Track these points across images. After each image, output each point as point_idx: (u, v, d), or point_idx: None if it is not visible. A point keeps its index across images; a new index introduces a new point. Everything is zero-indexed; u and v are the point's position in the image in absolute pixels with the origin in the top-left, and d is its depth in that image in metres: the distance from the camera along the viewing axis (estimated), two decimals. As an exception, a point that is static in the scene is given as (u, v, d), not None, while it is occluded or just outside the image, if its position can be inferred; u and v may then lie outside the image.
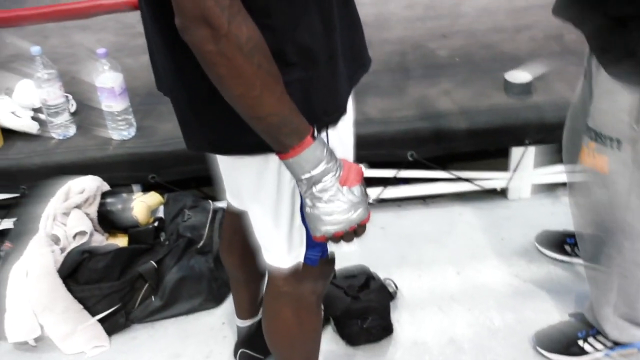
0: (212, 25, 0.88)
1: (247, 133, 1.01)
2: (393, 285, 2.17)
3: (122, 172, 2.40)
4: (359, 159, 2.40)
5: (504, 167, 2.57)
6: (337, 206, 1.05)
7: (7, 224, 2.44)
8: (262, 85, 0.94)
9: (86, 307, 2.06)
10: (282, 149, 1.01)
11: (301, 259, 1.28)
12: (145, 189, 2.50)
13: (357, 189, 1.07)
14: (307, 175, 1.02)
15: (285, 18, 1.01)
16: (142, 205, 2.22)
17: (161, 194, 2.41)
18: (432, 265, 2.31)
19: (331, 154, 1.04)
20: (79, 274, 2.06)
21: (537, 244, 2.30)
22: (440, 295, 2.17)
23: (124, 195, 2.26)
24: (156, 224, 2.25)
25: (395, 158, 2.45)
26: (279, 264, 1.31)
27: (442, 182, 2.57)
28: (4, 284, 2.06)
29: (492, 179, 2.58)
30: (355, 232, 1.11)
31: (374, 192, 2.56)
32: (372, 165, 2.50)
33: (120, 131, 2.40)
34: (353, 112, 1.28)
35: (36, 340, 2.09)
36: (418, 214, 2.60)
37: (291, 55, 1.03)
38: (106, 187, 2.30)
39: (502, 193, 2.64)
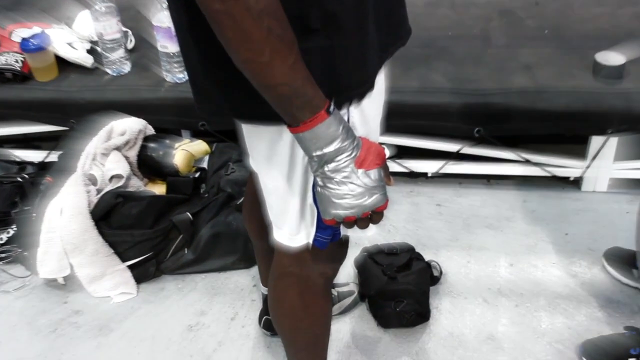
0: None
1: (259, 100, 0.97)
2: (438, 269, 2.12)
3: (171, 116, 2.41)
4: (421, 128, 2.40)
5: (580, 154, 2.45)
6: (350, 189, 1.01)
7: (54, 156, 2.49)
8: (272, 52, 0.89)
9: (117, 252, 2.10)
10: (293, 122, 0.97)
11: (310, 240, 1.24)
12: (195, 136, 2.51)
13: (374, 173, 1.02)
14: (318, 153, 0.98)
15: None
16: (184, 154, 2.22)
17: (210, 143, 2.41)
18: (484, 252, 2.23)
19: (348, 131, 0.99)
20: (112, 218, 2.09)
21: (604, 260, 2.15)
22: (487, 286, 2.10)
23: (167, 141, 2.26)
24: (197, 174, 2.25)
25: (461, 132, 2.38)
26: (287, 242, 1.27)
27: (509, 163, 2.48)
28: (40, 218, 2.11)
29: (565, 167, 2.47)
30: (370, 218, 1.06)
31: (433, 166, 2.51)
32: (436, 137, 2.44)
33: (174, 74, 2.40)
34: (385, 89, 1.21)
35: (65, 279, 2.14)
36: (479, 194, 2.52)
37: (314, 20, 0.97)
38: (150, 130, 2.31)
39: (574, 183, 2.52)
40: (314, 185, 1.09)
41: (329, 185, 1.01)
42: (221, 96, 1.10)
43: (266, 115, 1.02)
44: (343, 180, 1.00)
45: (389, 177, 1.08)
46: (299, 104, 0.94)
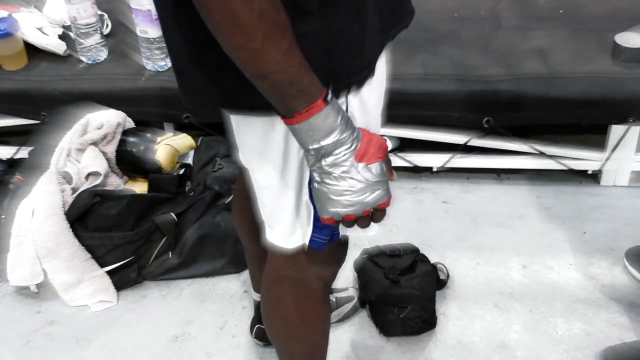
0: None
1: (250, 89, 0.96)
2: (445, 271, 2.11)
3: (153, 107, 2.39)
4: (425, 118, 2.38)
5: (599, 145, 2.44)
6: (349, 185, 1.00)
7: (25, 152, 2.45)
8: (265, 37, 0.88)
9: (94, 257, 2.08)
10: (287, 113, 0.96)
11: (306, 241, 1.23)
12: (179, 129, 2.50)
13: (376, 167, 1.02)
14: (315, 146, 0.97)
15: None
16: (167, 148, 2.20)
17: (195, 137, 2.40)
18: (495, 253, 2.22)
19: (347, 122, 0.98)
20: (89, 219, 2.07)
21: (625, 260, 2.13)
22: (498, 290, 2.09)
23: (149, 135, 2.25)
24: (182, 171, 2.25)
25: (468, 123, 2.37)
26: (281, 243, 1.26)
27: (521, 156, 2.47)
28: (9, 220, 2.08)
29: (582, 159, 2.46)
30: (371, 216, 1.06)
31: (439, 160, 2.50)
32: (441, 128, 2.43)
33: (155, 61, 2.37)
34: (386, 75, 1.20)
35: (38, 286, 2.12)
36: (488, 190, 2.51)
37: (309, 1, 0.96)
38: (130, 123, 2.30)
39: (593, 177, 2.52)
40: (311, 181, 1.08)
41: (327, 180, 1.01)
42: (208, 85, 1.08)
43: (258, 105, 1.01)
44: (342, 175, 1.00)
45: (392, 171, 1.08)
46: (293, 93, 0.93)
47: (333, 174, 0.99)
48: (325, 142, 0.97)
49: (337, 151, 0.98)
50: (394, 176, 1.08)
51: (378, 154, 1.01)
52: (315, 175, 1.02)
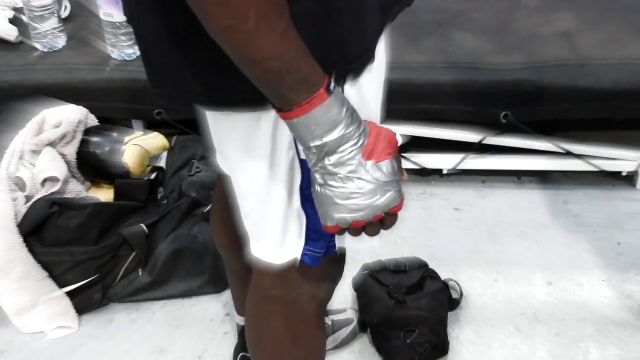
0: None
1: (231, 81, 0.97)
2: (458, 290, 2.12)
3: (119, 102, 2.40)
4: (433, 114, 2.39)
5: (634, 144, 2.46)
6: (358, 187, 1.00)
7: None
8: (259, 17, 0.88)
9: (52, 276, 2.07)
10: (285, 105, 0.95)
11: (298, 256, 1.23)
12: (150, 127, 2.50)
13: (387, 165, 1.02)
14: (317, 143, 0.97)
15: None
16: (136, 150, 2.20)
17: (169, 136, 2.39)
18: (515, 268, 2.24)
19: (353, 115, 0.99)
20: (46, 232, 2.06)
21: None
22: (520, 311, 2.10)
23: (115, 134, 2.25)
24: (153, 175, 2.24)
25: (484, 118, 2.38)
26: (268, 258, 1.26)
27: (544, 156, 2.48)
28: (-47, 233, 2.07)
29: (616, 159, 2.47)
30: (382, 222, 1.06)
31: (450, 161, 2.51)
32: (452, 124, 2.44)
33: (121, 49, 2.38)
34: (386, 60, 1.20)
35: (-14, 311, 2.12)
36: (507, 195, 2.53)
37: None
38: (93, 121, 2.29)
39: (628, 180, 2.54)
40: (304, 185, 1.09)
41: (332, 182, 1.00)
42: (184, 78, 1.08)
43: (240, 99, 1.02)
44: (349, 176, 1.00)
45: (402, 170, 1.08)
46: (292, 83, 0.93)
47: (338, 175, 0.99)
48: (329, 138, 0.96)
49: (342, 148, 0.98)
50: (405, 175, 1.08)
51: (388, 150, 1.02)
52: (318, 176, 1.01)
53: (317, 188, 1.03)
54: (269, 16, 0.89)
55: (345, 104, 0.98)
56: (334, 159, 0.98)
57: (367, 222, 1.04)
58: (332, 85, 0.96)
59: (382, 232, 1.08)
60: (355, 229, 1.05)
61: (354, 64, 1.07)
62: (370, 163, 1.00)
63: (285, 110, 0.95)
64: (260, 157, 1.13)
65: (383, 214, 1.04)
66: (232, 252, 1.63)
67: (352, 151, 0.98)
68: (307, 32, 0.96)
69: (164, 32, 1.06)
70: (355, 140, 0.98)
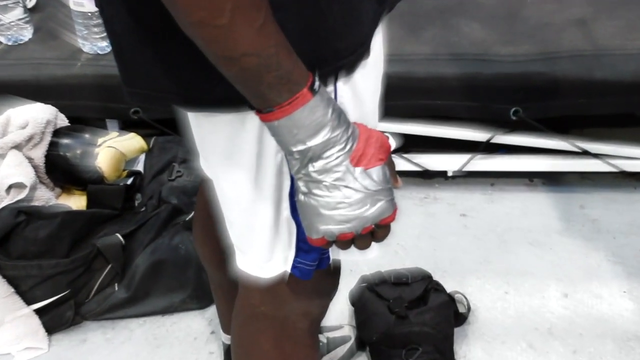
0: None
1: (213, 79, 0.96)
2: (465, 303, 2.12)
3: (92, 100, 2.40)
4: (437, 110, 2.40)
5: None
6: (345, 196, 1.00)
7: None
8: (234, 9, 0.87)
9: (19, 292, 2.07)
10: (264, 106, 0.95)
11: (287, 268, 1.23)
12: (126, 127, 2.50)
13: (377, 171, 1.01)
14: (300, 147, 0.97)
15: None
16: (110, 152, 2.20)
17: (146, 137, 2.40)
18: (528, 279, 2.25)
19: (340, 116, 0.98)
20: (12, 243, 2.06)
21: None
22: (533, 326, 2.11)
23: (87, 135, 2.25)
24: (130, 180, 2.24)
25: (492, 115, 2.39)
26: (255, 271, 1.26)
27: (558, 155, 2.49)
28: None
29: (637, 159, 2.47)
30: (372, 234, 1.05)
31: (455, 162, 2.51)
32: (457, 122, 2.45)
33: (93, 41, 2.38)
34: (382, 54, 1.20)
35: (-53, 330, 2.11)
36: (518, 199, 2.54)
37: None
38: (63, 121, 2.29)
39: (650, 181, 2.54)
40: (294, 192, 1.07)
41: (316, 191, 1.00)
42: (160, 75, 1.08)
43: (222, 98, 1.01)
44: (335, 184, 0.99)
45: (396, 176, 1.08)
46: (271, 81, 0.93)
47: (323, 183, 0.99)
48: (313, 142, 0.96)
49: (327, 153, 0.97)
50: (399, 183, 1.08)
51: (379, 156, 1.01)
52: (301, 184, 1.01)
53: (301, 197, 1.02)
54: (245, 8, 0.88)
55: (331, 104, 0.97)
56: (318, 165, 0.98)
57: (355, 235, 1.03)
58: (317, 84, 0.96)
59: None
60: (343, 242, 1.04)
61: (346, 58, 1.06)
62: (358, 169, 0.99)
63: (265, 111, 0.95)
64: (246, 161, 1.13)
65: (373, 226, 1.03)
66: (217, 265, 1.63)
67: (339, 157, 0.98)
68: (293, 23, 0.96)
69: (135, 25, 1.06)
70: (342, 145, 0.98)
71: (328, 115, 0.96)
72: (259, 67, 0.92)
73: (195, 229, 1.72)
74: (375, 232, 1.05)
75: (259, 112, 0.97)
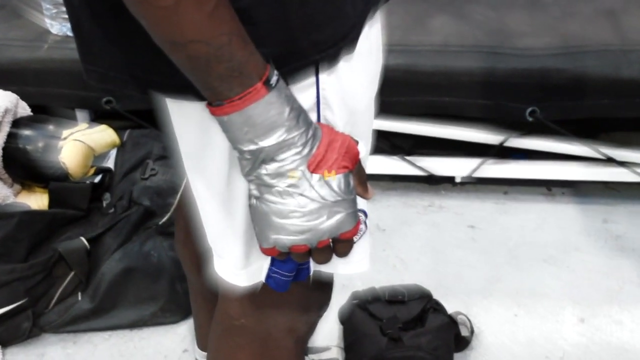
0: None
1: (172, 62, 0.96)
2: (468, 325, 2.12)
3: (59, 87, 2.41)
4: (445, 108, 2.40)
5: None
6: (298, 204, 1.00)
7: None
8: None
9: (-30, 299, 2.08)
10: (214, 99, 0.96)
11: (262, 277, 1.22)
12: (97, 118, 2.50)
13: (338, 180, 1.01)
14: (251, 147, 0.97)
15: None
16: (77, 146, 2.20)
17: (119, 130, 2.40)
18: (540, 300, 2.24)
19: (299, 116, 0.98)
20: (-37, 246, 2.08)
21: None
22: (544, 354, 2.11)
23: (51, 127, 2.25)
24: (98, 178, 2.24)
25: (506, 115, 2.39)
26: (232, 279, 1.26)
27: (579, 162, 2.49)
28: None
29: (668, 167, 2.48)
30: (333, 248, 1.06)
31: (464, 167, 2.51)
32: (467, 122, 2.45)
33: (63, 22, 2.39)
34: (377, 47, 1.20)
35: None
36: (534, 210, 2.53)
37: None
38: (24, 110, 2.30)
39: (682, 193, 2.54)
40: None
41: (268, 196, 1.01)
42: (118, 52, 1.08)
43: (188, 85, 1.00)
44: (288, 190, 0.99)
45: (366, 186, 1.08)
46: (222, 73, 0.93)
47: (276, 188, 0.99)
48: (265, 142, 0.97)
49: (282, 156, 0.98)
50: (370, 194, 1.08)
51: (342, 162, 1.02)
52: (252, 187, 1.02)
53: (253, 201, 1.03)
54: None
55: (290, 102, 0.98)
56: (271, 168, 0.99)
57: (311, 248, 1.04)
58: (274, 79, 0.96)
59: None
60: (298, 254, 1.05)
61: (326, 52, 1.06)
62: (316, 177, 1.00)
63: (215, 104, 0.96)
64: (219, 154, 1.13)
65: (329, 240, 1.04)
66: (198, 269, 1.63)
67: (294, 160, 0.98)
68: (265, 11, 0.96)
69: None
70: (299, 148, 0.98)
71: (285, 114, 0.97)
72: (209, 57, 0.92)
73: (177, 232, 1.72)
74: (335, 247, 1.05)
75: (209, 104, 0.97)
